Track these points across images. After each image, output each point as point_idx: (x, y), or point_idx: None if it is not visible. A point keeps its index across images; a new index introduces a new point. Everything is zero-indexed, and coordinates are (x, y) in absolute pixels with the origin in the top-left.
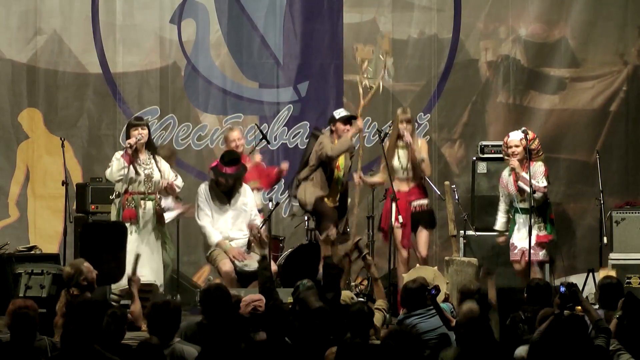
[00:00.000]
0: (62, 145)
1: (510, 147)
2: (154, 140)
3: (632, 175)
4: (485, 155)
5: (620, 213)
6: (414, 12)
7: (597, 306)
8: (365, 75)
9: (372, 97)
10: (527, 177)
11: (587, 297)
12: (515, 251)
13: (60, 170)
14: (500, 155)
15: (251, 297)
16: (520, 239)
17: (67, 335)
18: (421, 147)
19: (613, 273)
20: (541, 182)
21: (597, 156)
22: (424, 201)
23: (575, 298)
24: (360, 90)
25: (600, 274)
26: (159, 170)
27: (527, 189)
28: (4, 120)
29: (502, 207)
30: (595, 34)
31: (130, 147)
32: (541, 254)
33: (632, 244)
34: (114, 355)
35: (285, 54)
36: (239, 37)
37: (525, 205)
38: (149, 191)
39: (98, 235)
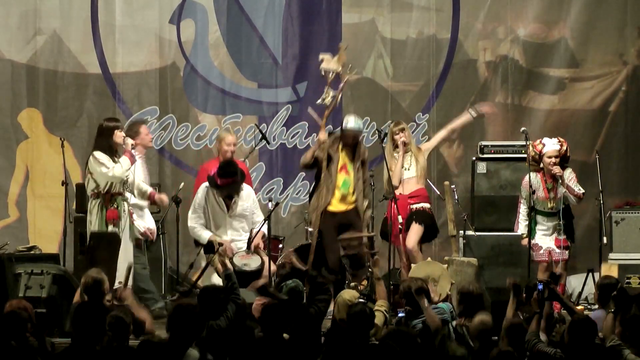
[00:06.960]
0: (62, 145)
1: (550, 157)
2: (154, 140)
3: (632, 175)
4: (485, 156)
5: (620, 213)
6: (413, 12)
7: (596, 306)
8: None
9: (329, 113)
10: (573, 187)
11: (586, 297)
12: (541, 251)
13: (60, 170)
14: (500, 156)
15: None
16: (543, 239)
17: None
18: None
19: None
20: (578, 189)
21: (597, 156)
22: (425, 205)
23: (554, 295)
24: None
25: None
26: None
27: (573, 199)
28: (3, 120)
29: (523, 210)
30: (594, 34)
31: (134, 147)
32: (567, 253)
33: (632, 244)
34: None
35: (284, 54)
36: (238, 38)
37: (550, 210)
38: (125, 193)
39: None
